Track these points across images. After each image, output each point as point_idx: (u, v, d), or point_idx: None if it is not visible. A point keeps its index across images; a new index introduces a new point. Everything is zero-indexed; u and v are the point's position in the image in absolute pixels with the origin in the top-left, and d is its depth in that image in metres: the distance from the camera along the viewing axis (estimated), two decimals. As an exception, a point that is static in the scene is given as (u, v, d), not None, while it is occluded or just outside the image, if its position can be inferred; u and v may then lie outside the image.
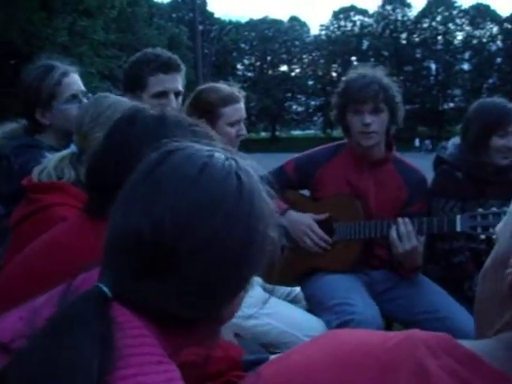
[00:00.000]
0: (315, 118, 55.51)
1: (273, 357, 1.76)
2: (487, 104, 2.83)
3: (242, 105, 2.85)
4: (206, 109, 2.76)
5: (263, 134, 54.96)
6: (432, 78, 51.56)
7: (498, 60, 49.35)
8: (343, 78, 2.84)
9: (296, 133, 56.04)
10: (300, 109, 55.61)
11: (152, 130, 1.28)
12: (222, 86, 2.87)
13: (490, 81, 49.49)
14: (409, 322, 2.66)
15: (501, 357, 0.63)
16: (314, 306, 2.65)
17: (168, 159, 0.93)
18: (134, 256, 0.88)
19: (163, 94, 2.60)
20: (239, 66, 55.01)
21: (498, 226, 0.73)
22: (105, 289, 0.87)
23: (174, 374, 0.85)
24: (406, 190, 2.73)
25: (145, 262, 0.88)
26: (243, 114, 2.85)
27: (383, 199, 2.71)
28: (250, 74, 53.67)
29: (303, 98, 55.10)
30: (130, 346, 0.83)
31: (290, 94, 53.91)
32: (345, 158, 2.79)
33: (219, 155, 0.95)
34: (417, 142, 33.57)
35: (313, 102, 54.33)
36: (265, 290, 2.48)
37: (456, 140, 2.93)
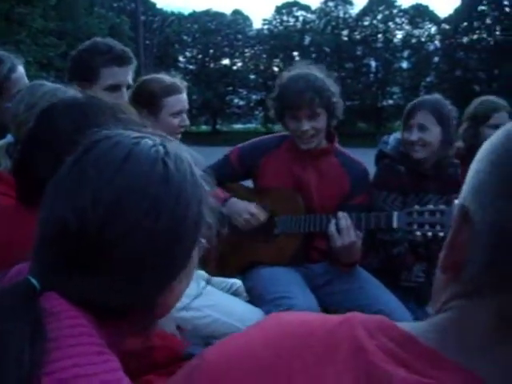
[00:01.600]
0: (256, 112, 55.65)
1: None
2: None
3: (184, 95, 2.84)
4: (149, 99, 2.74)
5: (204, 128, 54.81)
6: (372, 75, 52.39)
7: (436, 59, 50.48)
8: (277, 81, 2.84)
9: (237, 126, 56.05)
10: (241, 103, 55.66)
11: (75, 120, 1.27)
12: (165, 77, 2.86)
13: (428, 79, 50.56)
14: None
15: (431, 338, 0.66)
16: (254, 299, 2.67)
17: (95, 148, 0.92)
18: (60, 247, 0.88)
19: (116, 88, 2.56)
20: (181, 59, 54.60)
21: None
22: (33, 280, 0.86)
23: (114, 364, 0.85)
24: (348, 182, 2.77)
25: (71, 252, 0.87)
26: (186, 104, 2.84)
27: (326, 191, 2.74)
28: (191, 67, 53.41)
29: (244, 92, 55.14)
30: (68, 337, 0.82)
31: (231, 88, 53.87)
32: (287, 149, 2.81)
33: (146, 141, 0.94)
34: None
35: (254, 96, 54.43)
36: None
37: (397, 135, 2.98)
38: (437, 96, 2.88)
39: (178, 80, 2.85)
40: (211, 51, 53.74)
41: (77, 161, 0.91)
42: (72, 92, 1.70)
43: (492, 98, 3.41)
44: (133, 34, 31.81)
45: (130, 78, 2.63)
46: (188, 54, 54.80)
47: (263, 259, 2.74)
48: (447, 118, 2.81)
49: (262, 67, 53.07)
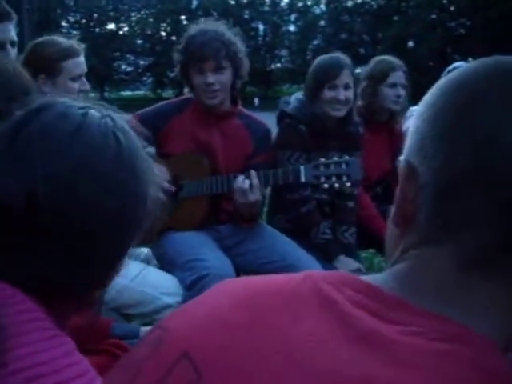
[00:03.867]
0: (145, 78, 54.53)
1: (145, 328, 1.74)
2: (322, 58, 2.97)
3: (82, 58, 2.72)
4: (45, 64, 2.61)
5: (91, 95, 53.13)
6: (260, 38, 52.47)
7: (322, 23, 51.22)
8: (184, 35, 2.79)
9: (125, 93, 54.72)
10: (129, 69, 54.28)
11: None
12: (60, 39, 2.72)
13: (315, 42, 51.22)
14: (259, 272, 2.73)
15: (394, 287, 0.69)
16: (166, 265, 2.64)
17: (39, 117, 0.86)
18: (5, 228, 0.81)
19: None
20: (64, 24, 52.29)
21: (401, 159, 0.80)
22: None
23: (69, 346, 0.83)
24: (251, 143, 2.79)
25: (16, 231, 0.81)
26: (85, 67, 2.73)
27: (230, 153, 2.74)
28: (75, 32, 51.33)
29: (132, 58, 53.75)
30: (19, 323, 0.78)
31: (118, 54, 52.30)
32: (192, 112, 2.77)
33: (94, 113, 0.91)
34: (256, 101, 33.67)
35: (142, 62, 53.24)
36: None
37: (298, 95, 3.01)
38: (341, 54, 2.93)
39: (74, 42, 2.73)
40: (95, 15, 51.81)
41: (19, 130, 0.84)
42: None
43: (389, 57, 3.50)
44: (11, -3, 30.20)
45: (12, 35, 2.50)
46: (71, 18, 52.56)
47: (172, 225, 2.71)
48: (355, 76, 2.90)
49: (149, 32, 51.79)
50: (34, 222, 0.82)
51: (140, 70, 56.26)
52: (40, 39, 2.78)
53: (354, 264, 2.94)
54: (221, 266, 2.51)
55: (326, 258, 2.89)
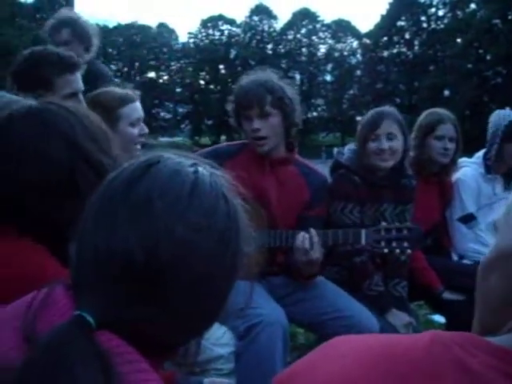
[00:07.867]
0: (183, 126, 55.47)
1: (208, 380, 1.71)
2: (369, 112, 2.96)
3: (138, 104, 2.78)
4: (103, 113, 2.66)
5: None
6: (296, 87, 52.90)
7: (358, 72, 51.72)
8: (236, 84, 2.84)
9: (164, 140, 55.64)
10: (168, 116, 55.32)
11: (35, 129, 1.22)
12: (115, 89, 2.79)
13: (351, 92, 51.70)
14: (313, 323, 2.70)
15: None
16: None
17: (152, 173, 0.88)
18: (122, 281, 0.83)
19: (73, 96, 2.49)
20: (106, 72, 53.81)
21: (498, 219, 0.75)
22: (89, 318, 0.80)
23: None
24: (308, 192, 2.77)
25: (135, 287, 0.83)
26: (141, 112, 2.78)
27: (285, 199, 2.73)
28: (116, 80, 52.46)
29: (171, 105, 54.82)
30: (126, 373, 0.78)
31: (157, 101, 53.41)
32: (247, 156, 2.78)
33: (203, 171, 0.92)
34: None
35: (181, 110, 54.29)
36: None
37: (352, 145, 3.02)
38: (388, 107, 2.94)
39: (129, 90, 2.81)
40: (137, 64, 53.21)
41: (132, 185, 0.86)
42: (28, 101, 1.60)
43: (439, 109, 3.50)
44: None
45: (81, 84, 2.58)
46: (113, 67, 53.92)
47: None
48: (405, 127, 2.87)
49: (188, 80, 52.88)
50: (149, 282, 0.82)
51: (178, 118, 57.31)
52: (95, 92, 2.85)
53: (406, 318, 2.87)
54: (274, 314, 2.47)
55: (378, 310, 2.84)
